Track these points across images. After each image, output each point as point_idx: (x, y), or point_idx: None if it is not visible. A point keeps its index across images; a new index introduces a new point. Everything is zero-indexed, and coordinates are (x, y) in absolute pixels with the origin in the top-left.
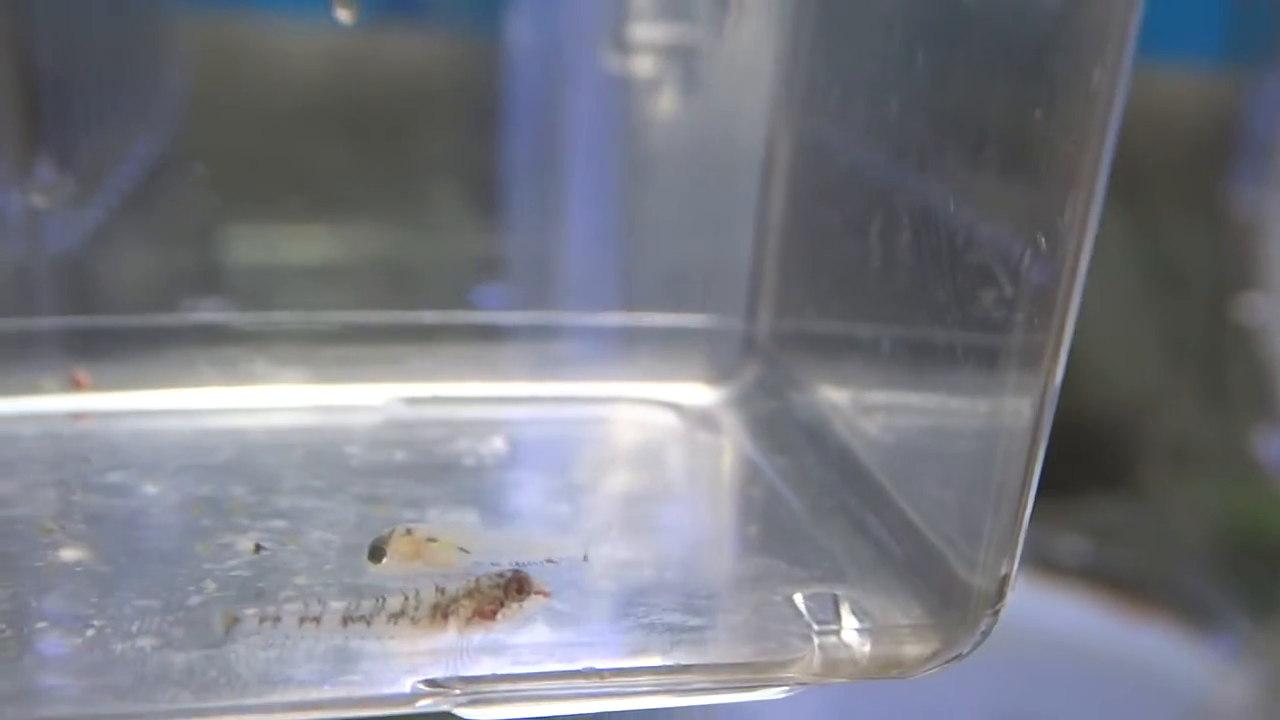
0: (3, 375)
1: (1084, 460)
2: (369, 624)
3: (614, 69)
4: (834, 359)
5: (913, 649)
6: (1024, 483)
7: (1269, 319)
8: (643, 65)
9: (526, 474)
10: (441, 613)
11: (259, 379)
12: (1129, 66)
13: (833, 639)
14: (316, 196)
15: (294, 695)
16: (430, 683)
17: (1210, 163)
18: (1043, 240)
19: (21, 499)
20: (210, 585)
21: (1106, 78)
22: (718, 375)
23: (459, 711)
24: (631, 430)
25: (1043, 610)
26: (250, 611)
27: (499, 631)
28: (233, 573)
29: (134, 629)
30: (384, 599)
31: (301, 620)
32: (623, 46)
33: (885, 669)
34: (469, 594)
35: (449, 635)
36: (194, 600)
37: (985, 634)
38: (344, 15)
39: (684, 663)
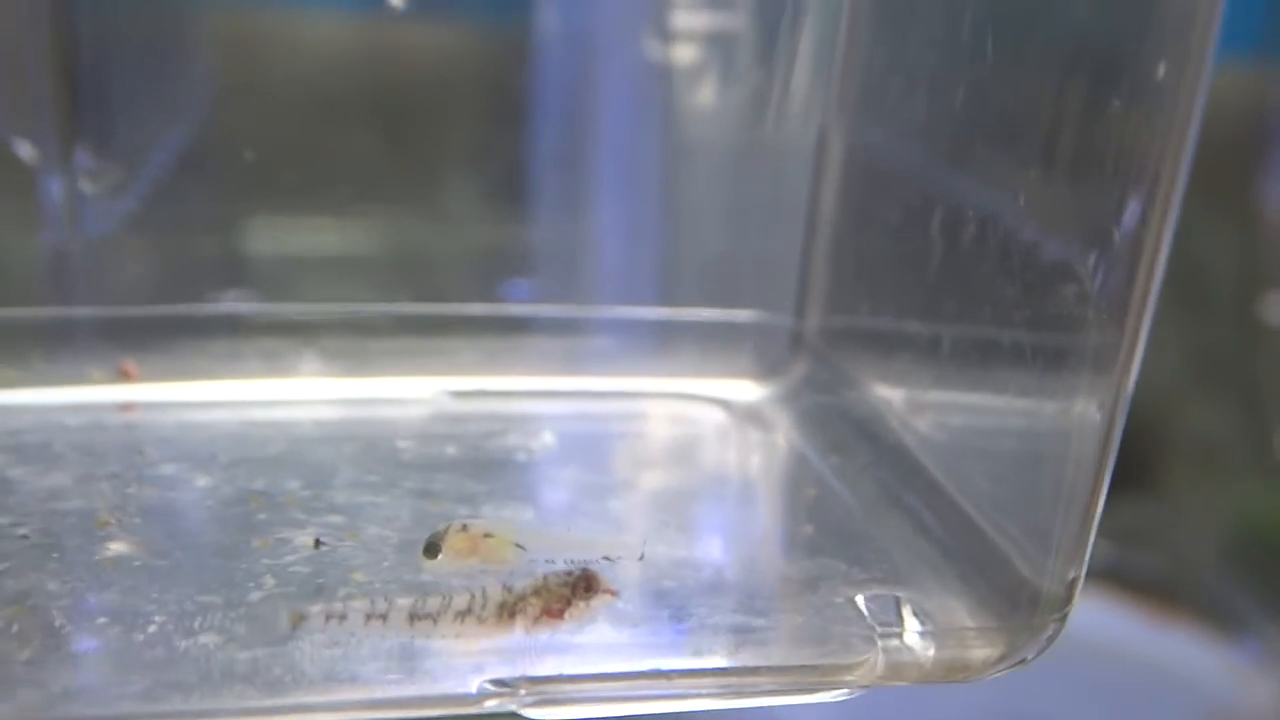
0: (49, 365)
1: None
2: (435, 622)
3: (656, 59)
4: (887, 356)
5: (978, 653)
6: (1095, 486)
7: None
8: (686, 55)
9: (577, 470)
10: (508, 611)
11: (305, 371)
12: (1210, 61)
13: (896, 642)
14: (358, 188)
15: (360, 693)
16: (497, 682)
17: (1239, 161)
18: (1117, 239)
19: (75, 491)
20: (270, 581)
21: (1188, 72)
22: (766, 371)
23: (525, 712)
24: (680, 426)
25: None
26: (316, 609)
27: (565, 631)
28: (291, 568)
29: (196, 625)
30: (450, 596)
31: (368, 618)
32: (665, 36)
33: (950, 673)
34: (536, 592)
35: (515, 634)
36: (255, 596)
37: (1051, 639)
38: (396, 1)
39: (750, 665)
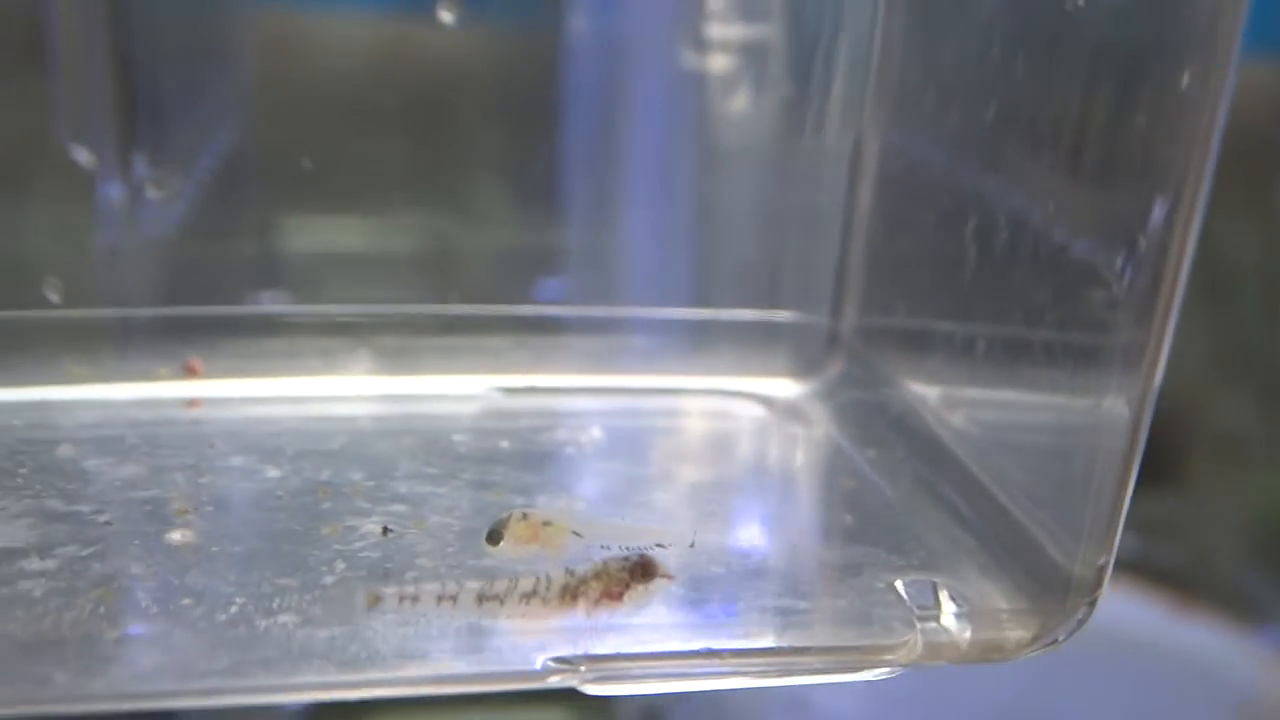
0: (118, 363)
1: None
2: (502, 603)
3: (692, 66)
4: (922, 354)
5: (1013, 634)
6: (1123, 477)
7: None
8: (723, 63)
9: (625, 463)
10: (571, 594)
11: (359, 369)
12: (1233, 70)
13: (934, 624)
14: (409, 193)
15: (431, 669)
16: (560, 660)
17: (1266, 156)
18: (1144, 242)
19: (151, 481)
20: (341, 565)
21: (1211, 80)
22: (804, 370)
23: (585, 688)
24: (721, 421)
25: None
26: (390, 590)
27: (623, 613)
28: (360, 554)
29: (275, 606)
30: (517, 579)
31: (439, 599)
32: (700, 45)
33: (986, 653)
34: (597, 576)
35: (577, 615)
36: (328, 579)
37: (1082, 622)
38: (447, 16)
39: (796, 645)
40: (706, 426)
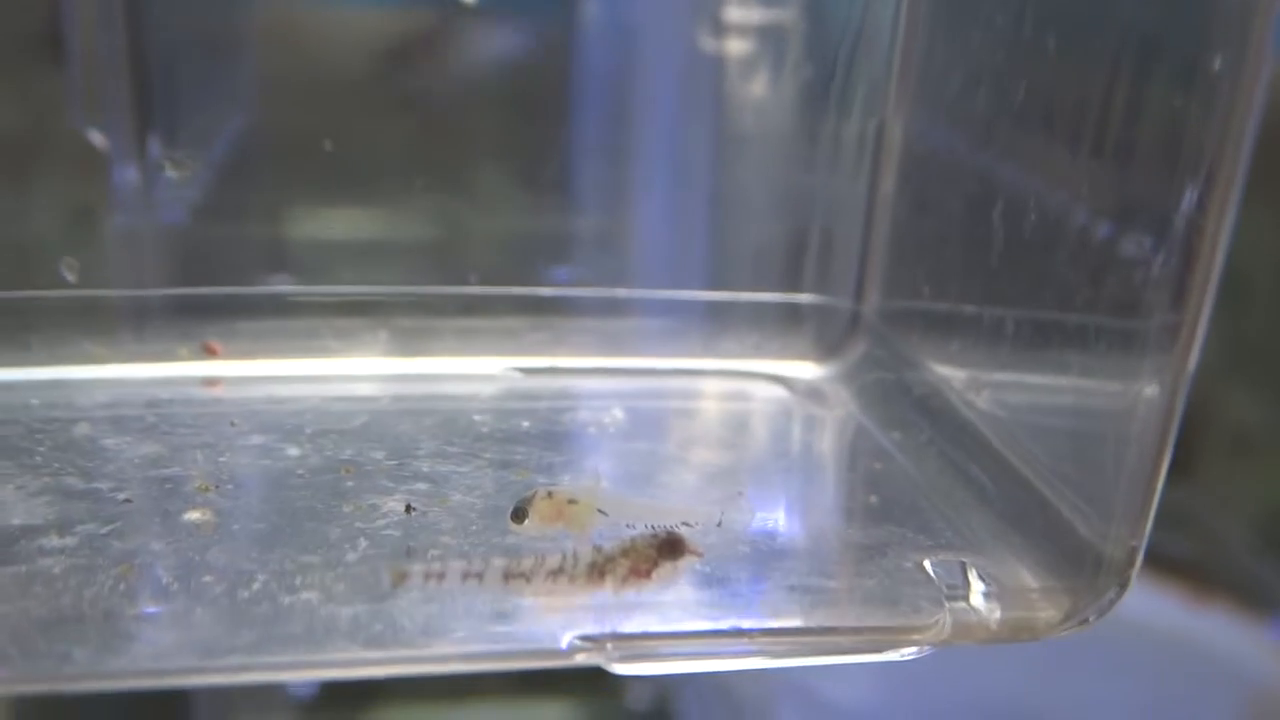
0: (137, 343)
1: None
2: (529, 580)
3: (711, 50)
4: (947, 337)
5: (1042, 613)
6: (1157, 459)
7: None
8: (742, 47)
9: (647, 443)
10: (598, 571)
11: (378, 349)
12: (1269, 53)
13: (962, 604)
14: (429, 179)
15: (456, 647)
16: (586, 638)
17: (1276, 154)
18: (1178, 224)
19: (171, 459)
20: (363, 543)
21: (1246, 63)
22: (826, 351)
23: (612, 667)
24: (742, 402)
25: None
26: (416, 568)
27: (651, 590)
28: (383, 532)
29: (298, 583)
30: (544, 557)
31: (465, 576)
32: (718, 29)
33: (1016, 632)
34: (625, 553)
35: (604, 593)
36: (351, 557)
37: (1114, 602)
38: None
39: (825, 624)
40: (727, 408)
